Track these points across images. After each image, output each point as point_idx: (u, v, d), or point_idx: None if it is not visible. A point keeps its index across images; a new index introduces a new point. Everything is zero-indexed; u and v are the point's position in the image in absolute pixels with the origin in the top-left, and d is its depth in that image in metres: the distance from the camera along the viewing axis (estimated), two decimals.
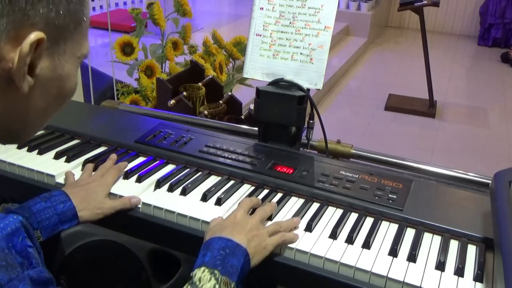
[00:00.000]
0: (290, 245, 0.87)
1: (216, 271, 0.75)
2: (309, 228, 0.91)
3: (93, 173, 1.05)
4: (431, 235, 0.92)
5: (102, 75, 2.60)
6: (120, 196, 0.99)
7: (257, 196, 1.01)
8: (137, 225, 0.98)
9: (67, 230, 1.06)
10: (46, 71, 0.58)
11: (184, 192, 1.00)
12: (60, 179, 1.05)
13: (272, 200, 1.00)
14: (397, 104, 4.09)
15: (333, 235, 0.90)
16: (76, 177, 1.04)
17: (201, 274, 0.74)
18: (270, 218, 0.94)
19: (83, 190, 0.96)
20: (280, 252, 0.87)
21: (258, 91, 1.17)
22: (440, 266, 0.83)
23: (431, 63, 3.89)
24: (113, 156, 1.09)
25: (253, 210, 0.93)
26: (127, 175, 1.05)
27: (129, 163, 1.12)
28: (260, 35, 1.20)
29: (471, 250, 0.89)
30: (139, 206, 0.97)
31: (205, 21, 4.84)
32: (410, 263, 0.84)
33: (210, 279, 0.73)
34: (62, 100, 0.63)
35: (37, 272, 0.47)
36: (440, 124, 3.88)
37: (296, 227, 0.91)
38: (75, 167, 1.10)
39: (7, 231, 0.46)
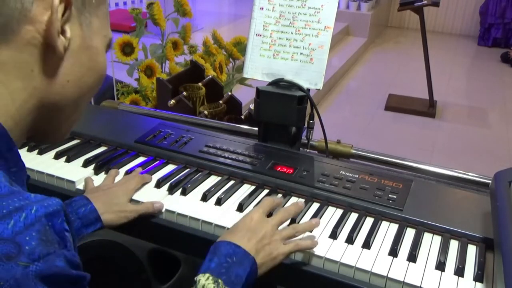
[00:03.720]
0: None
1: (220, 281, 0.73)
2: None
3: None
4: (431, 235, 0.92)
5: None
6: None
7: (257, 196, 1.01)
8: (137, 225, 0.98)
9: None
10: (76, 38, 0.58)
11: (184, 192, 1.00)
12: (61, 180, 1.05)
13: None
14: (397, 104, 4.09)
15: (333, 235, 0.89)
16: (97, 182, 1.03)
17: (205, 281, 0.73)
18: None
19: (105, 194, 0.96)
20: None
21: (258, 91, 1.17)
22: (440, 266, 0.83)
23: (431, 63, 3.89)
24: (138, 169, 1.08)
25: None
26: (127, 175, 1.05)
27: (129, 163, 1.12)
28: (260, 35, 1.20)
29: (471, 250, 0.89)
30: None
31: (205, 21, 4.84)
32: (410, 263, 0.84)
33: (214, 283, 0.73)
34: (95, 75, 0.63)
35: (71, 254, 0.49)
36: (440, 124, 3.88)
37: (312, 230, 0.89)
38: (75, 167, 1.10)
39: (50, 211, 0.48)
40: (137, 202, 0.98)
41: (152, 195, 1.00)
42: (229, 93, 2.07)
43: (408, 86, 4.47)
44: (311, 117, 1.22)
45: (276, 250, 0.82)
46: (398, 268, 0.82)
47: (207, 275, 0.74)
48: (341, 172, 1.07)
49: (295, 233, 0.86)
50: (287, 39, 1.18)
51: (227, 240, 0.80)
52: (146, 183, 1.04)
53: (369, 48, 5.80)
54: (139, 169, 1.08)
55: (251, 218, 0.84)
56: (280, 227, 0.87)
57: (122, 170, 1.07)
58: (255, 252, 0.79)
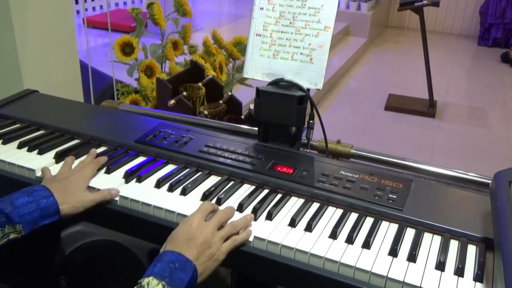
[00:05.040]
0: (290, 245, 0.86)
1: (163, 282, 0.77)
2: (309, 228, 0.91)
3: (72, 167, 1.05)
4: (431, 235, 0.92)
5: (102, 75, 2.60)
6: (120, 196, 0.99)
7: (257, 196, 1.01)
8: (136, 225, 0.98)
9: (67, 230, 1.06)
10: None
11: (184, 192, 1.00)
12: None
13: (273, 201, 0.99)
14: (397, 104, 4.09)
15: (333, 235, 0.90)
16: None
17: (149, 280, 0.77)
18: (270, 217, 0.94)
19: (62, 184, 0.97)
20: (280, 252, 0.87)
21: (258, 91, 1.17)
22: (440, 266, 0.83)
23: (431, 63, 3.89)
24: (93, 151, 1.10)
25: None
26: (127, 175, 1.05)
27: (129, 163, 1.12)
28: (260, 35, 1.20)
29: (471, 250, 0.89)
30: (138, 205, 0.97)
31: (205, 21, 4.84)
32: (410, 263, 0.84)
33: (158, 284, 0.76)
34: None
35: None
36: (440, 124, 3.88)
37: (250, 225, 0.92)
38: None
39: None
40: (136, 201, 0.98)
41: (152, 195, 1.00)
42: (229, 93, 2.07)
43: (408, 86, 4.47)
44: (311, 117, 1.22)
45: (216, 252, 0.86)
46: (398, 268, 0.82)
47: (150, 277, 0.78)
48: (341, 172, 1.07)
49: (233, 230, 0.89)
50: (287, 39, 1.18)
51: (170, 249, 0.83)
52: (103, 166, 1.06)
53: (369, 48, 5.80)
54: (94, 151, 1.09)
55: (190, 223, 0.87)
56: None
57: (122, 170, 1.07)
58: (195, 258, 0.83)
